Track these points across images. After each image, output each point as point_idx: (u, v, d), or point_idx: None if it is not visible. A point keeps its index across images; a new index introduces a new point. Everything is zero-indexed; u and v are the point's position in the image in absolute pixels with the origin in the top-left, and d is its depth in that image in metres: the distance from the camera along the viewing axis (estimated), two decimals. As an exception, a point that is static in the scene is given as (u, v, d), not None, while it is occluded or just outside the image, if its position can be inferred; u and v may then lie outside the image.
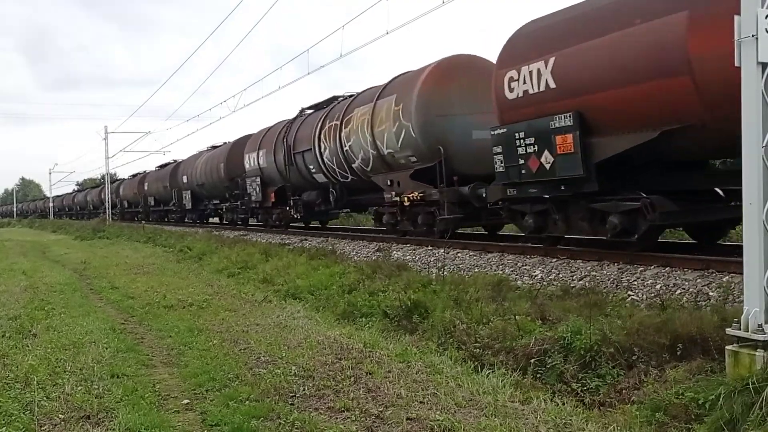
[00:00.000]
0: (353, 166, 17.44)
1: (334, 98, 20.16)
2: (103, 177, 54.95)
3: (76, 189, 79.94)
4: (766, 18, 4.79)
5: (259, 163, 24.10)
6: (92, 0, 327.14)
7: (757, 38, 4.79)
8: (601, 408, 5.43)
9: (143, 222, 39.67)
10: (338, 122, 17.89)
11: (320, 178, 19.91)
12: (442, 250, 12.98)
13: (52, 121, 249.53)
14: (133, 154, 63.10)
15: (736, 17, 4.95)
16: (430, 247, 13.72)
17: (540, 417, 4.79)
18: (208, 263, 16.70)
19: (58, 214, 75.60)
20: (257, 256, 15.73)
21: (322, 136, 18.93)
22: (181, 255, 19.65)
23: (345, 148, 17.51)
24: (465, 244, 13.23)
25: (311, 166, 20.02)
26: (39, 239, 35.89)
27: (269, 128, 24.55)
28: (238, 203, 27.02)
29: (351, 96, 18.69)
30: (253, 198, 24.94)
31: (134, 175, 50.75)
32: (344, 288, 10.61)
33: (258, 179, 24.14)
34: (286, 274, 12.85)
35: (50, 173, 77.09)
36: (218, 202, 31.24)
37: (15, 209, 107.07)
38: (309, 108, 21.91)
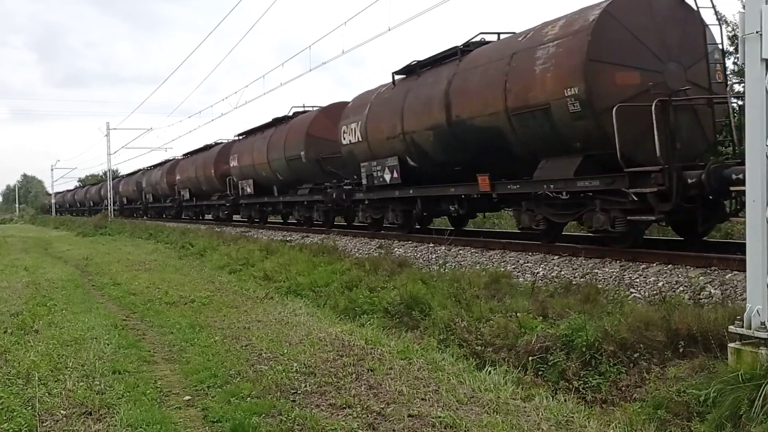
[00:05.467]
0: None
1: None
2: (104, 173, 54.71)
3: (77, 185, 79.99)
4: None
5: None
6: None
7: (761, 35, 4.77)
8: (602, 405, 5.43)
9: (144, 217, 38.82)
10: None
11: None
12: (444, 247, 12.96)
13: (56, 118, 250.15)
14: (134, 151, 62.84)
15: (740, 13, 4.92)
16: (431, 245, 13.70)
17: (542, 414, 4.78)
18: (210, 260, 16.70)
19: (60, 211, 75.65)
20: (258, 253, 15.73)
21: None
22: (182, 252, 19.67)
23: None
24: (467, 241, 13.22)
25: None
26: (41, 235, 35.95)
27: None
28: None
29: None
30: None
31: (190, 153, 36.53)
32: (345, 285, 10.60)
33: None
34: (288, 270, 12.85)
35: (52, 170, 77.18)
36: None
37: (18, 205, 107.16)
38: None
